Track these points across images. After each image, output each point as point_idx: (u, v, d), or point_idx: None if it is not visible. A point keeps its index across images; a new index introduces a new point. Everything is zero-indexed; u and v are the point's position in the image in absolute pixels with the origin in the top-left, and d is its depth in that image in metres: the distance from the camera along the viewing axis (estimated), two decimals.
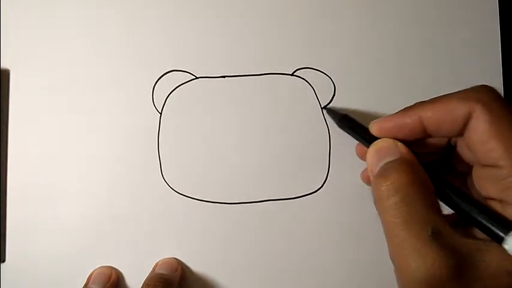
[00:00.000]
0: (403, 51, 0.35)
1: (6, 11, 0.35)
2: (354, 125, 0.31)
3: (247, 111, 0.34)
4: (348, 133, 0.31)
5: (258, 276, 0.34)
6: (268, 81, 0.34)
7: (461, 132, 0.25)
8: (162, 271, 0.32)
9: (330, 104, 0.34)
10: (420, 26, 0.35)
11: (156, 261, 0.33)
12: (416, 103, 0.27)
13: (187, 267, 0.34)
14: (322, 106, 0.34)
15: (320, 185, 0.34)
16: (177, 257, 0.34)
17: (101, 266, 0.33)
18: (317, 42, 0.35)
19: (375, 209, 0.34)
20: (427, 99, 0.27)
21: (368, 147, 0.28)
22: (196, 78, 0.35)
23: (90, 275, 0.33)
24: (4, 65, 0.34)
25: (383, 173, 0.25)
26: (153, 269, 0.33)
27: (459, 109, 0.25)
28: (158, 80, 0.34)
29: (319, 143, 0.34)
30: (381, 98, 0.34)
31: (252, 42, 0.35)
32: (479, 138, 0.24)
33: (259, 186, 0.34)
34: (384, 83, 0.35)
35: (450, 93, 0.26)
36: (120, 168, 0.34)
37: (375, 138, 0.28)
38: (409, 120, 0.26)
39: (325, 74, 0.35)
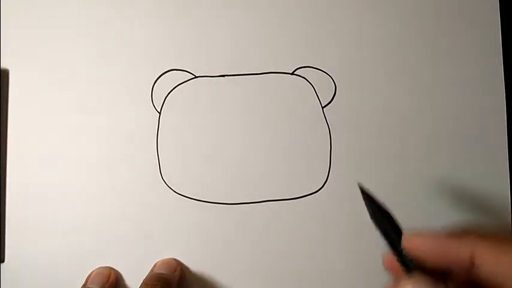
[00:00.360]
0: (403, 51, 0.35)
1: (6, 11, 0.35)
2: (389, 227, 0.25)
3: (247, 111, 0.34)
4: (379, 231, 0.26)
5: (258, 276, 0.33)
6: (268, 80, 0.34)
7: None
8: (161, 271, 0.32)
9: (331, 104, 0.34)
10: (420, 26, 0.35)
11: (155, 261, 0.33)
12: (470, 232, 0.23)
13: (187, 268, 0.34)
14: (323, 105, 0.34)
15: (321, 185, 0.34)
16: (177, 258, 0.34)
17: (100, 267, 0.33)
18: (317, 41, 0.35)
19: None
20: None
21: (398, 260, 0.24)
22: (196, 77, 0.35)
23: (89, 275, 0.33)
24: (4, 65, 0.34)
25: None
26: (152, 269, 0.33)
27: None
28: (157, 79, 0.34)
29: (319, 142, 0.34)
30: (381, 97, 0.34)
31: (251, 41, 0.35)
32: None
33: (259, 186, 0.34)
34: (384, 82, 0.34)
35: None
36: (119, 168, 0.34)
37: (406, 259, 0.24)
38: (459, 251, 0.23)
39: (325, 73, 0.34)
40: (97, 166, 0.34)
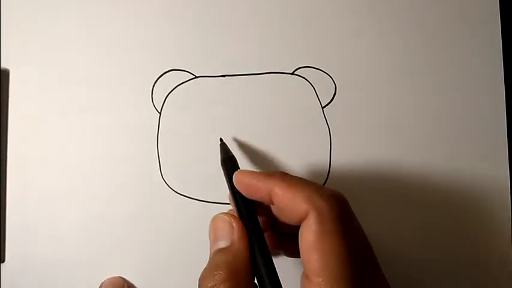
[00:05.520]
0: (403, 51, 0.35)
1: (6, 11, 0.35)
2: (231, 169, 0.30)
3: (247, 111, 0.34)
4: (224, 174, 0.30)
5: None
6: (268, 80, 0.34)
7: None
8: None
9: (330, 103, 0.34)
10: (420, 26, 0.35)
11: (156, 261, 0.33)
12: (275, 173, 0.27)
13: (188, 268, 0.34)
14: (323, 105, 0.34)
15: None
16: (177, 258, 0.34)
17: (112, 277, 0.33)
18: (317, 41, 0.35)
19: (375, 209, 0.34)
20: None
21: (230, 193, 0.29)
22: (196, 77, 0.35)
23: (101, 285, 0.33)
24: (4, 65, 0.34)
25: (211, 270, 0.25)
26: None
27: (299, 207, 0.24)
28: (158, 79, 0.34)
29: (319, 142, 0.34)
30: (381, 97, 0.34)
31: (252, 41, 0.35)
32: (303, 243, 0.24)
33: None
34: (384, 82, 0.34)
35: (307, 183, 0.26)
36: (120, 168, 0.34)
37: (235, 193, 0.28)
38: (263, 188, 0.26)
39: (325, 73, 0.34)
40: (97, 166, 0.34)
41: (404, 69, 0.35)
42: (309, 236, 0.24)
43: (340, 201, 0.25)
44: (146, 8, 0.35)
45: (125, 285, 0.33)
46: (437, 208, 0.34)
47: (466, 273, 0.33)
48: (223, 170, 0.31)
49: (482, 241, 0.33)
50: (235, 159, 0.31)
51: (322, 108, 0.34)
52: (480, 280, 0.33)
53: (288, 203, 0.25)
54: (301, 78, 0.34)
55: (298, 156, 0.34)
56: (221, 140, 0.33)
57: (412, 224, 0.34)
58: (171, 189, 0.34)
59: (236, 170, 0.29)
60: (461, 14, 0.35)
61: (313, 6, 0.35)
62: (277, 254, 0.32)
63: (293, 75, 0.34)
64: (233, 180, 0.28)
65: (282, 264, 0.31)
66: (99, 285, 0.33)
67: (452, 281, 0.33)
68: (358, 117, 0.34)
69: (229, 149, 0.32)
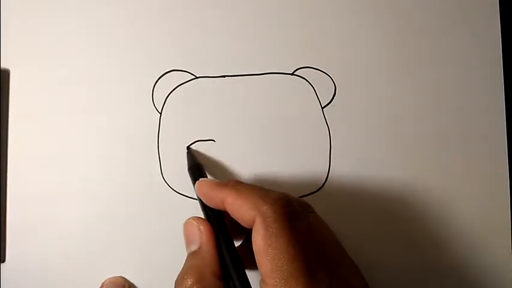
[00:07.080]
0: (403, 51, 0.35)
1: (6, 11, 0.35)
2: (197, 176, 0.31)
3: (247, 111, 0.34)
4: (191, 179, 0.31)
5: (258, 277, 0.33)
6: (268, 80, 0.34)
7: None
8: None
9: (330, 104, 0.34)
10: (420, 26, 0.35)
11: (156, 262, 0.33)
12: (228, 183, 0.28)
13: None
14: (323, 105, 0.34)
15: (320, 185, 0.34)
16: (177, 258, 0.33)
17: (113, 277, 0.33)
18: (317, 41, 0.35)
19: (375, 210, 0.34)
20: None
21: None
22: (196, 78, 0.35)
23: (102, 285, 0.33)
24: (4, 65, 0.34)
25: (183, 275, 0.27)
26: None
27: (247, 214, 0.26)
28: (158, 79, 0.34)
29: (319, 142, 0.34)
30: (381, 97, 0.34)
31: (252, 42, 0.35)
32: (255, 248, 0.25)
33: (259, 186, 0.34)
34: (384, 82, 0.34)
35: (254, 190, 0.27)
36: (120, 168, 0.34)
37: (200, 202, 0.30)
38: (218, 196, 0.27)
39: (325, 73, 0.35)
40: (98, 166, 0.34)
41: (404, 70, 0.35)
42: (258, 240, 0.25)
43: (286, 203, 0.26)
44: (146, 8, 0.35)
45: (126, 284, 0.33)
46: (437, 208, 0.34)
47: (466, 276, 0.33)
48: (190, 177, 0.31)
49: (481, 243, 0.33)
50: (202, 166, 0.32)
51: (322, 108, 0.34)
52: (480, 283, 0.33)
53: (238, 211, 0.26)
54: (301, 78, 0.34)
55: (297, 156, 0.34)
56: (188, 148, 0.34)
57: (411, 224, 0.34)
58: (171, 188, 0.34)
59: (201, 177, 0.30)
60: (461, 14, 0.35)
61: (313, 6, 0.35)
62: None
63: (293, 76, 0.34)
64: (195, 190, 0.30)
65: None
66: (100, 285, 0.33)
67: (452, 284, 0.33)
68: (358, 117, 0.34)
69: (195, 157, 0.33)
